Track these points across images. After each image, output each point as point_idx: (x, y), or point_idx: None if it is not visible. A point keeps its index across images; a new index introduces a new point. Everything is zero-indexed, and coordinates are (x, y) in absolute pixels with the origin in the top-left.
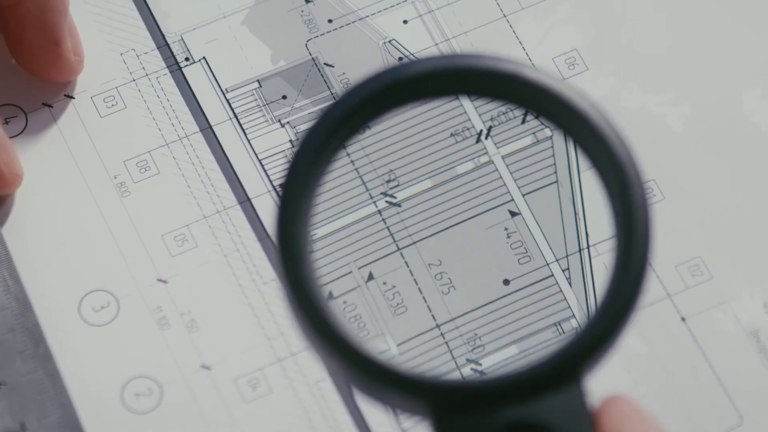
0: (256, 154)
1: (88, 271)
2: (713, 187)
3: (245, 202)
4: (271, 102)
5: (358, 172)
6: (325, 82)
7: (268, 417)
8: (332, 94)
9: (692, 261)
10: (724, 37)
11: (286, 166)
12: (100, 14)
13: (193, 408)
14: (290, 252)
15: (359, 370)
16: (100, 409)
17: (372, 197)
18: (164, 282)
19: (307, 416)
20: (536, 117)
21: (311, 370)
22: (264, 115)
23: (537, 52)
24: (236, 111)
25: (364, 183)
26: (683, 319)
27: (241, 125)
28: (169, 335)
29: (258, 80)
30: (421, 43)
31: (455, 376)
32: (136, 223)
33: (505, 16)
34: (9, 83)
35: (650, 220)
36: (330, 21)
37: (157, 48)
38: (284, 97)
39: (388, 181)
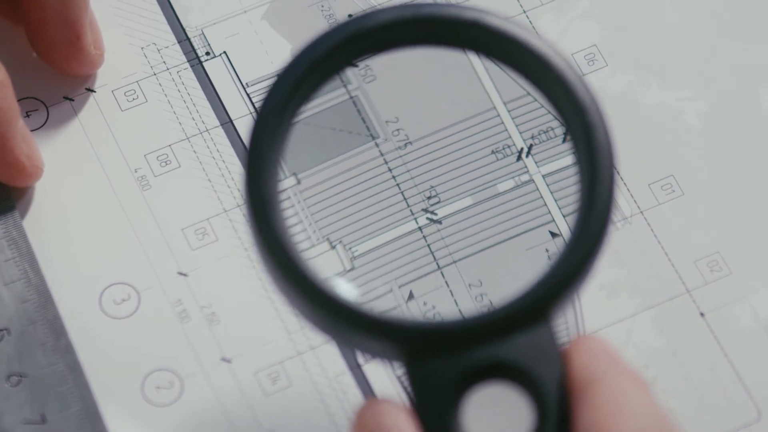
0: None
1: (109, 264)
2: (732, 183)
3: None
4: None
5: (399, 188)
6: (342, 81)
7: (288, 410)
8: (348, 91)
9: (711, 256)
10: (742, 33)
11: (256, 114)
12: (121, 8)
13: (214, 401)
14: (259, 198)
15: (331, 315)
16: (120, 401)
17: (413, 213)
18: (185, 275)
19: (326, 410)
20: (498, 63)
21: (331, 364)
22: None
23: None
24: (257, 105)
25: (405, 199)
26: (702, 315)
27: None
28: (189, 328)
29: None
30: None
31: (425, 318)
32: (156, 217)
33: (525, 11)
34: (30, 77)
35: (614, 161)
36: (350, 16)
37: (178, 42)
38: None
39: (429, 198)
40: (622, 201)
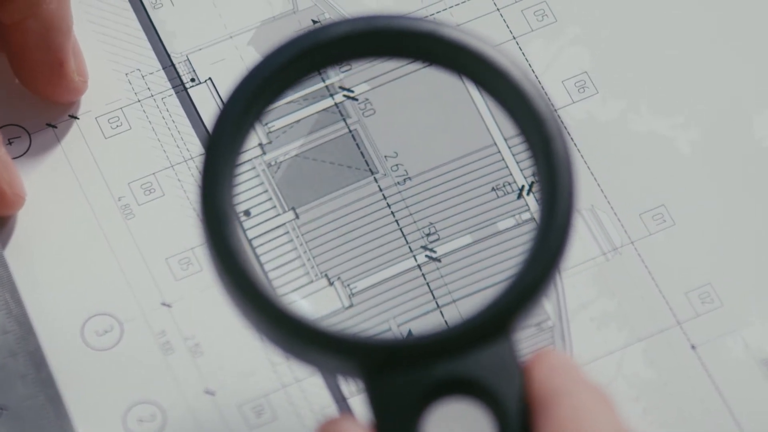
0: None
1: (92, 295)
2: (724, 213)
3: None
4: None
5: (398, 224)
6: (341, 115)
7: None
8: (347, 124)
9: (702, 288)
10: (734, 60)
11: (211, 127)
12: (105, 34)
13: None
14: (215, 216)
15: (290, 333)
16: None
17: (412, 250)
18: (168, 306)
19: None
20: (455, 74)
21: (316, 397)
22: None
23: (546, 75)
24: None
25: (404, 235)
26: (693, 347)
27: None
28: (173, 360)
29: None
30: None
31: (385, 334)
32: (140, 246)
33: (514, 38)
34: (12, 103)
35: (573, 172)
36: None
37: (163, 68)
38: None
39: (428, 235)
40: (613, 231)
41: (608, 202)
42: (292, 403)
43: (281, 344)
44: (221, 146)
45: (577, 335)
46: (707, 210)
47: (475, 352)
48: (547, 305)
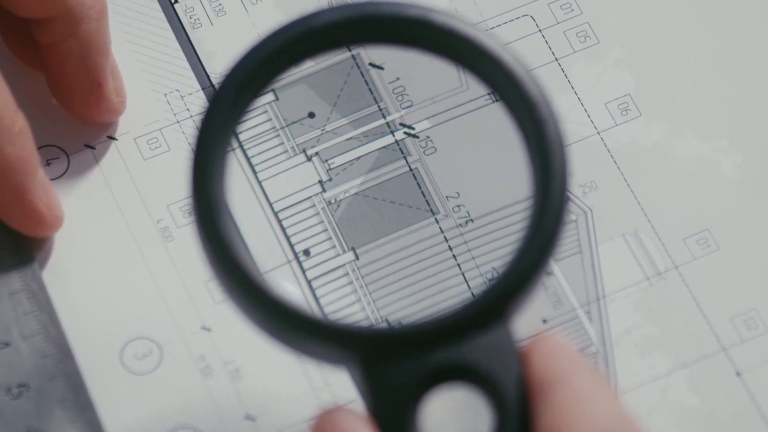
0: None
1: (131, 318)
2: None
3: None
4: (293, 123)
5: (460, 268)
6: (402, 153)
7: None
8: (408, 163)
9: (748, 314)
10: None
11: (200, 118)
12: (144, 54)
13: None
14: (207, 206)
15: (286, 323)
16: None
17: (474, 297)
18: (208, 330)
19: None
20: (447, 61)
21: None
22: (282, 143)
23: (589, 97)
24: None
25: (466, 281)
26: (738, 374)
27: (249, 161)
28: (212, 384)
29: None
30: None
31: (380, 323)
32: (179, 269)
33: (557, 59)
34: (51, 124)
35: (566, 156)
36: None
37: (202, 89)
38: (311, 115)
39: (490, 281)
40: (657, 256)
41: (652, 226)
42: None
43: (276, 334)
44: (212, 135)
45: (621, 361)
46: (752, 234)
47: (473, 339)
48: (591, 331)
